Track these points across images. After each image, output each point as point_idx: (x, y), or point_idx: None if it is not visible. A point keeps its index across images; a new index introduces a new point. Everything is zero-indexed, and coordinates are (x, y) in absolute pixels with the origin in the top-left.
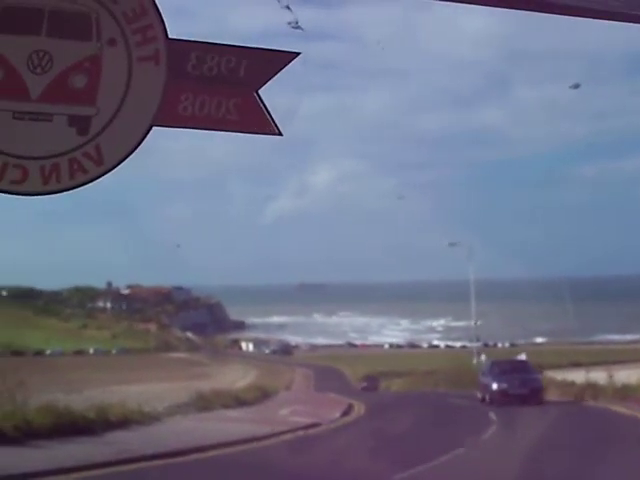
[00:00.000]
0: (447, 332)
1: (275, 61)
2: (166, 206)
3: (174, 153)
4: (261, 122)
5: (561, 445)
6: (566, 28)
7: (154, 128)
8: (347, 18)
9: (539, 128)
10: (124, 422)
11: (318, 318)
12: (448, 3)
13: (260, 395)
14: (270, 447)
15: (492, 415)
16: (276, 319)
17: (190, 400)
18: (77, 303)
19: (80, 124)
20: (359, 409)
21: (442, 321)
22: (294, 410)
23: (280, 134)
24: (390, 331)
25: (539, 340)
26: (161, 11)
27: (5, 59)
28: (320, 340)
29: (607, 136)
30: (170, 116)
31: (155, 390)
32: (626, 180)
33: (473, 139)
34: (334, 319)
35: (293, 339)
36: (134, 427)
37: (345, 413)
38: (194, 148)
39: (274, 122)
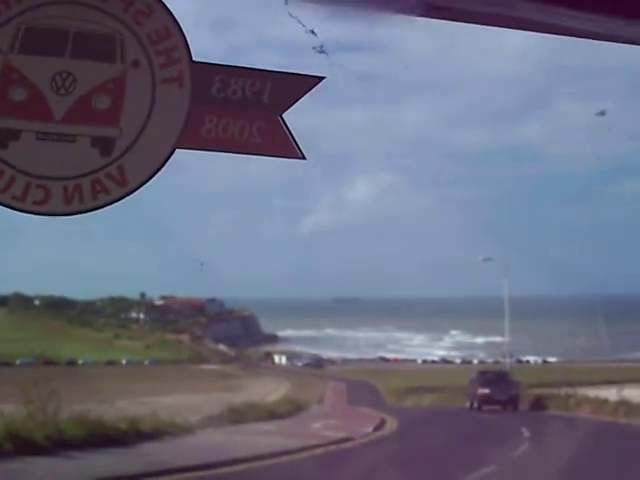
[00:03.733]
0: (480, 348)
1: (300, 85)
2: (201, 219)
3: (209, 167)
4: (285, 146)
5: (595, 464)
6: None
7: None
8: (387, 33)
9: (578, 145)
10: (156, 434)
11: (351, 332)
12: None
13: (293, 408)
14: (302, 461)
15: (525, 431)
16: (309, 332)
17: (222, 412)
18: (110, 313)
19: (103, 145)
20: (392, 424)
21: (476, 337)
22: (326, 424)
23: (303, 158)
24: (423, 347)
25: (572, 357)
26: (185, 34)
27: (29, 80)
28: (353, 354)
29: None
30: (193, 138)
31: (187, 402)
32: None
33: (511, 155)
34: (367, 333)
35: (326, 353)
36: (166, 439)
37: (377, 428)
38: (229, 162)
39: (298, 146)
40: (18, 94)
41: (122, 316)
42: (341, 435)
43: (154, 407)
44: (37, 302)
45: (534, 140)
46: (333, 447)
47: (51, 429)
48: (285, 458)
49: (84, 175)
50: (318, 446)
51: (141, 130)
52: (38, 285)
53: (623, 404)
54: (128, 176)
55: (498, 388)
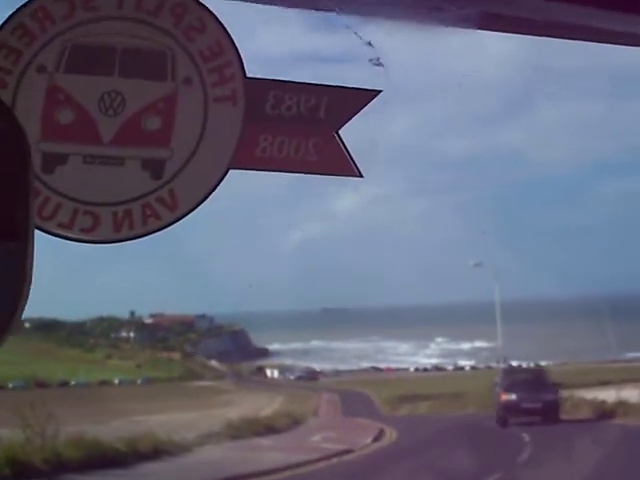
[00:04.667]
0: (472, 354)
1: (356, 100)
2: (187, 235)
3: None
4: (341, 163)
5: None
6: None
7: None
8: (374, 42)
9: (564, 148)
10: (154, 453)
11: (341, 343)
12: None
13: (289, 422)
14: (306, 476)
15: (525, 436)
16: (300, 345)
17: (219, 429)
18: (100, 333)
19: (154, 168)
20: (390, 434)
21: (467, 343)
22: (325, 436)
23: (361, 176)
24: (413, 356)
25: (565, 359)
26: (239, 49)
27: (75, 101)
28: (345, 365)
29: (632, 154)
30: (248, 158)
31: (182, 419)
32: None
33: (497, 160)
34: (358, 344)
35: (317, 365)
36: (165, 458)
37: (376, 438)
38: None
39: (355, 163)
40: (64, 116)
41: (112, 335)
42: (341, 447)
43: (149, 426)
44: (27, 325)
45: (519, 144)
46: (334, 460)
47: (49, 452)
48: (288, 473)
49: (134, 200)
50: (319, 460)
51: (193, 151)
52: (27, 307)
53: (621, 405)
54: (179, 200)
55: (529, 392)
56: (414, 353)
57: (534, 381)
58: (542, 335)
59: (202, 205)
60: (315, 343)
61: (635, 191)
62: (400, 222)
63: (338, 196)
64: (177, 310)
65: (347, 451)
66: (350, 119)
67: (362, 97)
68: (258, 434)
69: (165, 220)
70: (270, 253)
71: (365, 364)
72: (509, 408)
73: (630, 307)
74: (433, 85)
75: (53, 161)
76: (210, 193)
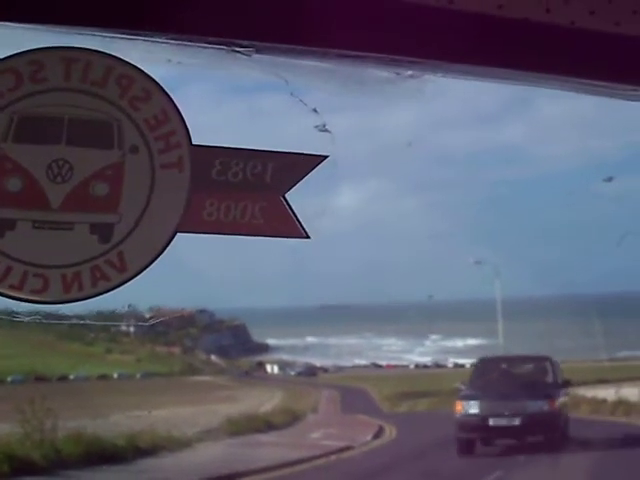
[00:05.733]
0: (472, 351)
1: (302, 164)
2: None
3: None
4: (288, 226)
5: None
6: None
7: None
8: None
9: (562, 145)
10: (154, 449)
11: (342, 339)
12: None
13: (289, 418)
14: (305, 473)
15: None
16: (300, 341)
17: (219, 424)
18: (100, 327)
19: (102, 232)
20: (390, 431)
21: (468, 340)
22: (325, 433)
23: (307, 237)
24: (411, 354)
25: (565, 356)
26: (184, 117)
27: (24, 169)
28: (345, 361)
29: (631, 151)
30: (195, 222)
31: (182, 414)
32: None
33: (497, 157)
34: (358, 340)
35: (317, 360)
36: (164, 454)
37: (376, 435)
38: None
39: (301, 225)
40: (13, 184)
41: (112, 329)
42: (341, 444)
43: (149, 421)
44: (26, 319)
45: (519, 141)
46: (334, 457)
47: (48, 448)
48: (288, 470)
49: (83, 262)
50: (319, 456)
51: (141, 215)
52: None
53: (622, 403)
54: (128, 262)
55: (502, 400)
56: (410, 350)
57: (519, 380)
58: (542, 333)
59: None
60: (310, 340)
61: (636, 189)
62: (398, 218)
63: (336, 192)
64: (177, 305)
65: (347, 448)
66: (296, 183)
67: (308, 162)
68: (258, 430)
69: (114, 281)
70: (268, 250)
71: (365, 360)
72: (470, 427)
73: (628, 305)
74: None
75: (3, 226)
76: (158, 256)
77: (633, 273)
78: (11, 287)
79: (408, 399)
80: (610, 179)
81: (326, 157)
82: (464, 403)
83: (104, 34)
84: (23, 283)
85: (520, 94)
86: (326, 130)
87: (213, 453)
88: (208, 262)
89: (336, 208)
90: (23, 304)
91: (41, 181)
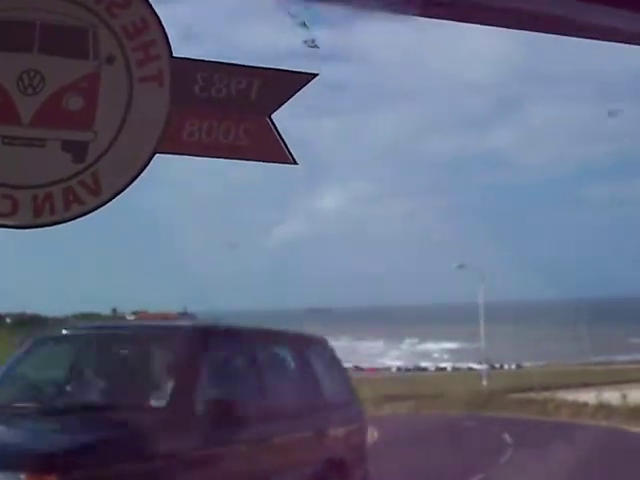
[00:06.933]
0: (454, 354)
1: (290, 83)
2: (171, 231)
3: (177, 177)
4: (274, 149)
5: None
6: (579, 47)
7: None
8: (354, 39)
9: (550, 150)
10: None
11: None
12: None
13: None
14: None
15: (507, 437)
16: None
17: None
18: None
19: (76, 150)
20: (372, 434)
21: (450, 344)
22: None
23: (295, 162)
24: (390, 358)
25: (547, 361)
26: (165, 27)
27: None
28: None
29: (619, 156)
30: (174, 142)
31: None
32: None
33: (484, 162)
34: (341, 343)
35: None
36: None
37: None
38: (197, 173)
39: (288, 150)
40: None
41: None
42: None
43: None
44: (8, 320)
45: (507, 146)
46: None
47: None
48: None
49: (55, 183)
50: None
51: (117, 134)
52: (8, 303)
53: (602, 407)
54: (103, 184)
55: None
56: (385, 353)
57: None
58: (525, 337)
59: (126, 190)
60: None
61: (624, 194)
62: (384, 222)
63: (322, 195)
64: (160, 307)
65: None
66: (284, 103)
67: (296, 80)
68: None
69: (89, 205)
70: (254, 251)
71: (347, 363)
72: None
73: (611, 310)
74: (421, 85)
75: None
76: (135, 178)
77: (618, 278)
78: None
79: (390, 402)
80: (615, 113)
81: (315, 75)
82: None
83: None
84: None
85: (509, 98)
86: (315, 46)
87: None
88: (192, 265)
89: (321, 212)
90: None
91: (11, 92)
